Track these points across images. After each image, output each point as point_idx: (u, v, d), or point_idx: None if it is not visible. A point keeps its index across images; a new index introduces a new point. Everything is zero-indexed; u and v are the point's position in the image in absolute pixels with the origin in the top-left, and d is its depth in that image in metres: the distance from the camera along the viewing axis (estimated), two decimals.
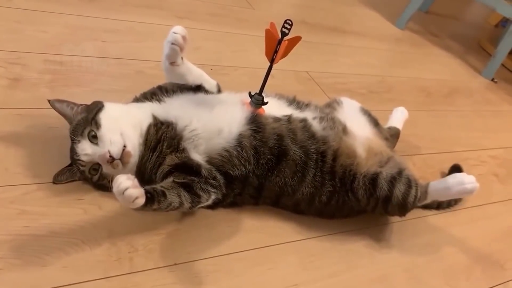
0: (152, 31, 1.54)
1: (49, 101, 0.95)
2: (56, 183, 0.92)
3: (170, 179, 0.88)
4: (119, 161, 0.88)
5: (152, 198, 0.79)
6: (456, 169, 1.38)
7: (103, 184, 0.92)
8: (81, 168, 0.90)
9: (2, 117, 1.02)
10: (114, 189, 0.74)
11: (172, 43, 0.93)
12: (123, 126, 0.91)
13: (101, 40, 1.41)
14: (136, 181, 0.75)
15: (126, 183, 0.73)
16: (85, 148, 0.88)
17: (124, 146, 0.89)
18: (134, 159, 0.91)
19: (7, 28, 1.30)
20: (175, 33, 0.92)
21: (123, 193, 0.73)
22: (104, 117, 0.91)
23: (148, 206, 0.78)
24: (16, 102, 1.07)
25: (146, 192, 0.78)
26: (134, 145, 0.91)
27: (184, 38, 0.93)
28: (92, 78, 1.25)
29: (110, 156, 0.87)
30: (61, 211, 0.89)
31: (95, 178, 0.91)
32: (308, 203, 1.02)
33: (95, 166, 0.90)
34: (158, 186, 0.83)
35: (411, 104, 1.76)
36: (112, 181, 0.76)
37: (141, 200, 0.76)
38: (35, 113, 1.05)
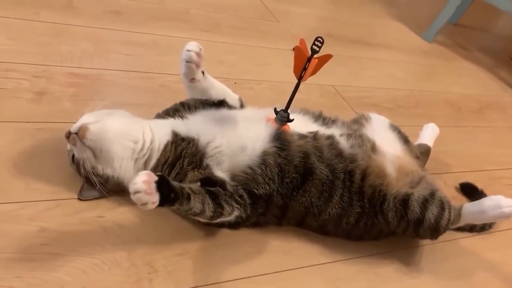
0: (176, 44, 1.53)
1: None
2: (81, 199, 0.92)
3: (199, 183, 0.86)
4: (75, 135, 0.86)
5: (174, 199, 0.76)
6: (468, 187, 1.33)
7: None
8: (70, 161, 0.93)
9: (24, 130, 1.02)
10: (130, 185, 0.72)
11: (187, 61, 0.91)
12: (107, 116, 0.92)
13: (124, 53, 1.41)
14: (153, 186, 0.72)
15: (140, 186, 0.71)
16: None
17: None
18: (96, 136, 0.86)
19: (34, 41, 1.31)
20: (188, 50, 0.90)
21: (134, 194, 0.71)
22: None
23: (166, 206, 0.76)
24: (38, 115, 1.07)
25: (172, 190, 0.76)
26: (104, 126, 0.88)
27: (198, 54, 0.91)
28: (115, 92, 1.24)
29: (68, 131, 0.87)
30: (81, 229, 0.87)
31: (75, 167, 0.91)
32: (335, 224, 0.98)
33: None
34: (186, 187, 0.80)
35: (441, 119, 1.70)
36: (94, 174, 0.86)
37: (150, 207, 0.73)
38: (57, 127, 1.04)
